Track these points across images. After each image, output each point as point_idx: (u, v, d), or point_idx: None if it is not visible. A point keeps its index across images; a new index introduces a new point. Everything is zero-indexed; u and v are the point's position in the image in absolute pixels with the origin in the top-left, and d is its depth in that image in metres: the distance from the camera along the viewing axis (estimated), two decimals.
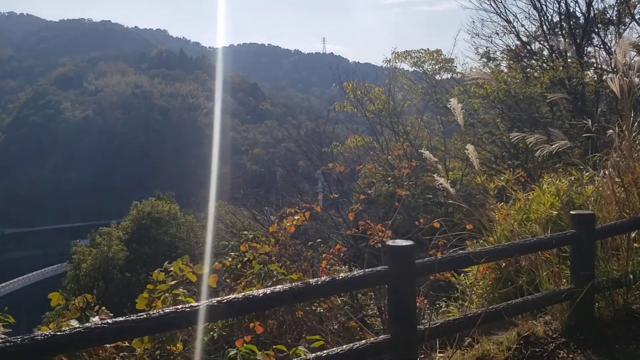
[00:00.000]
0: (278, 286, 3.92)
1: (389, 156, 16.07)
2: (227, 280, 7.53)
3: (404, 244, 4.24)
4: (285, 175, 17.75)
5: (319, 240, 9.37)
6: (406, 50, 22.21)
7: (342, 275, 4.34)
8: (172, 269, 6.23)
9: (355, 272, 4.37)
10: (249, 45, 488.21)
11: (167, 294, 5.80)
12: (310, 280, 4.13)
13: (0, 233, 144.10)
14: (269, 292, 3.77)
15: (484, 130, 20.34)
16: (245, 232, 9.78)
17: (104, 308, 5.65)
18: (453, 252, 5.81)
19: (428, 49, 22.17)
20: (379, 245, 7.59)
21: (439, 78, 22.77)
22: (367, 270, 4.29)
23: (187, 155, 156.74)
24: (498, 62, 22.65)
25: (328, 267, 8.07)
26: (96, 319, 5.33)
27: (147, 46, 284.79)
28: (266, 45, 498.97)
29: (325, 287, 4.07)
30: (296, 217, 8.44)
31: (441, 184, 6.80)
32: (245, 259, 7.44)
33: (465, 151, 7.26)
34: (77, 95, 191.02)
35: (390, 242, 4.34)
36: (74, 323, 5.26)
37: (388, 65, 22.24)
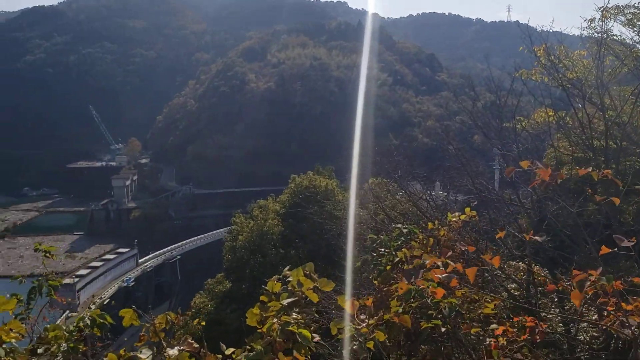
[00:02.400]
0: None
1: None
2: (375, 282, 6.52)
3: None
4: (456, 153, 15.32)
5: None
6: (617, 6, 18.00)
7: None
8: (290, 279, 4.53)
9: None
10: (428, 15, 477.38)
11: (275, 319, 4.10)
12: None
13: (191, 193, 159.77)
14: None
15: None
16: (399, 226, 7.88)
17: (187, 336, 4.10)
18: None
19: None
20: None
21: None
22: None
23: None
24: None
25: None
26: (174, 351, 3.83)
27: (327, 18, 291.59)
28: (446, 14, 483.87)
29: None
30: None
31: None
32: (397, 259, 6.39)
33: None
34: (260, 68, 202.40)
35: None
36: (146, 355, 3.81)
37: (591, 25, 18.27)
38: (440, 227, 7.89)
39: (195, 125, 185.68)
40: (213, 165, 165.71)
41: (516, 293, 10.44)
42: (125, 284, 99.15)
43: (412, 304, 4.80)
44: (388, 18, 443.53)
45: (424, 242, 7.39)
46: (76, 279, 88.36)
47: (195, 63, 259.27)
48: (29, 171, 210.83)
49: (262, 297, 4.52)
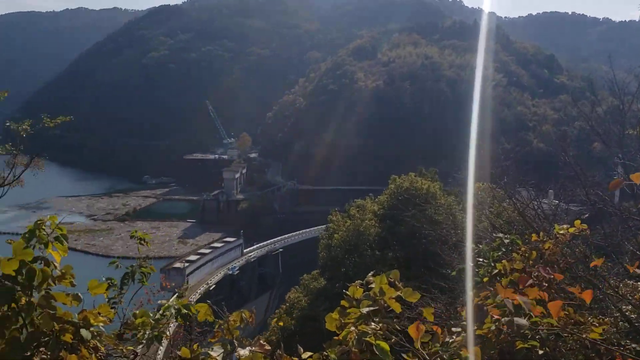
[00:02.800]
0: None
1: None
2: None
3: None
4: (570, 161, 14.14)
5: None
6: None
7: None
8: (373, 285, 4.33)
9: None
10: (550, 14, 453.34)
11: (353, 327, 3.92)
12: None
13: (296, 188, 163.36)
14: None
15: None
16: (500, 236, 7.42)
17: (259, 337, 4.01)
18: None
19: None
20: None
21: None
22: None
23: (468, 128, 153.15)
24: None
25: None
26: (245, 351, 3.74)
27: (441, 17, 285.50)
28: (569, 13, 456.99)
29: None
30: None
31: None
32: (495, 271, 5.95)
33: None
34: (370, 66, 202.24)
35: None
36: (217, 353, 3.77)
37: None
38: (545, 239, 7.27)
39: (303, 122, 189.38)
40: (318, 162, 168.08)
41: (632, 316, 9.46)
42: (230, 272, 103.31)
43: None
44: (505, 17, 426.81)
45: (526, 254, 6.85)
46: (186, 264, 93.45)
47: (306, 61, 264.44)
48: (150, 160, 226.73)
49: (343, 302, 4.35)
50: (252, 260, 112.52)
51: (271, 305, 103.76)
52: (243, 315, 4.13)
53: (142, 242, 5.84)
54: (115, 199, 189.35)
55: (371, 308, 4.13)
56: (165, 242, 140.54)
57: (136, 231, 5.85)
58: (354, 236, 34.11)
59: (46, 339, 4.14)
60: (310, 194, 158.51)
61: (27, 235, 4.67)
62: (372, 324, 4.11)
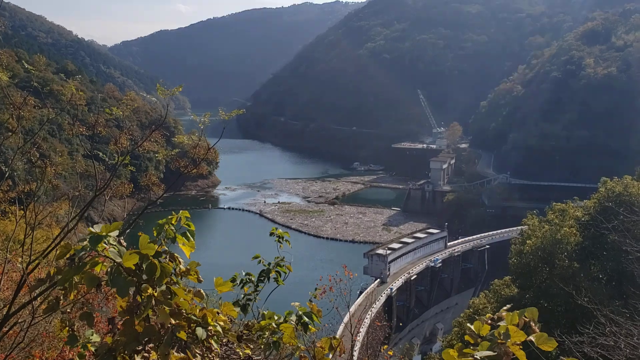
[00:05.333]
0: None
1: None
2: None
3: None
4: None
5: None
6: None
7: None
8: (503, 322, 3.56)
9: None
10: None
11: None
12: None
13: (507, 182, 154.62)
14: None
15: None
16: None
17: None
18: None
19: None
20: None
21: None
22: None
23: None
24: None
25: None
26: None
27: None
28: None
29: None
30: None
31: None
32: None
33: None
34: (601, 52, 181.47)
35: None
36: None
37: None
38: None
39: (519, 111, 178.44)
40: (535, 155, 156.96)
41: None
42: (432, 264, 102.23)
43: None
44: None
45: None
46: (388, 251, 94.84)
47: (527, 47, 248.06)
48: (361, 147, 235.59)
49: (467, 337, 3.56)
50: (456, 254, 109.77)
51: None
52: (332, 343, 3.53)
53: (281, 240, 5.56)
54: (327, 183, 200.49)
55: (487, 354, 3.27)
56: (370, 227, 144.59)
57: (276, 229, 5.59)
58: (550, 244, 30.61)
59: (162, 334, 4.10)
60: (523, 189, 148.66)
61: (157, 228, 4.66)
62: None
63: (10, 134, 11.79)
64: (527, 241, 32.25)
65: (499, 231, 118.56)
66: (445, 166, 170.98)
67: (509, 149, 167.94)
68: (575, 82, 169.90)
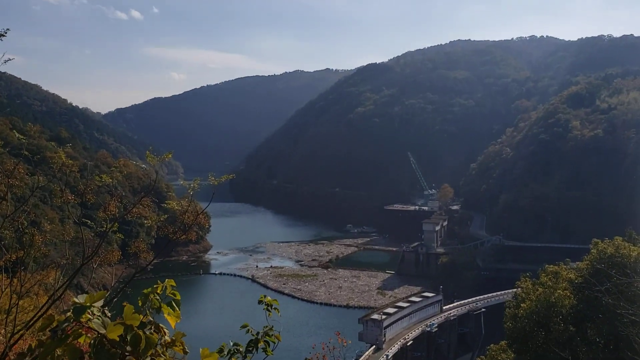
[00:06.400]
0: None
1: None
2: None
3: None
4: None
5: None
6: None
7: None
8: None
9: None
10: None
11: None
12: None
13: (501, 243, 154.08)
14: None
15: None
16: None
17: None
18: None
19: None
20: None
21: None
22: None
23: None
24: None
25: None
26: None
27: None
28: None
29: None
30: None
31: None
32: None
33: None
34: (587, 114, 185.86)
35: None
36: None
37: None
38: None
39: (509, 173, 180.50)
40: (526, 217, 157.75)
41: None
42: (428, 329, 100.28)
43: None
44: None
45: None
46: (383, 316, 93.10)
47: (514, 111, 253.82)
48: (353, 209, 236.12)
49: None
50: (452, 318, 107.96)
51: None
52: None
53: (270, 308, 5.46)
54: (320, 246, 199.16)
55: None
56: (364, 291, 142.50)
57: (265, 296, 5.51)
58: (544, 307, 30.20)
59: None
60: (516, 250, 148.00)
61: (142, 298, 4.58)
62: None
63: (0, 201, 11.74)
64: (522, 305, 31.74)
65: (494, 293, 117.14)
66: (438, 228, 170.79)
67: (500, 211, 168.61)
68: (563, 143, 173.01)
